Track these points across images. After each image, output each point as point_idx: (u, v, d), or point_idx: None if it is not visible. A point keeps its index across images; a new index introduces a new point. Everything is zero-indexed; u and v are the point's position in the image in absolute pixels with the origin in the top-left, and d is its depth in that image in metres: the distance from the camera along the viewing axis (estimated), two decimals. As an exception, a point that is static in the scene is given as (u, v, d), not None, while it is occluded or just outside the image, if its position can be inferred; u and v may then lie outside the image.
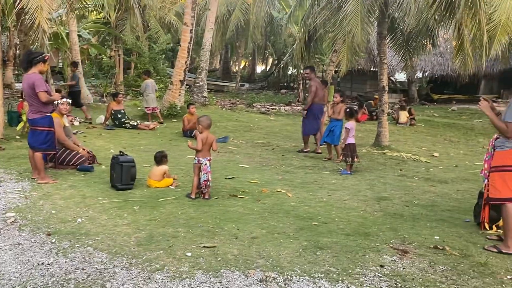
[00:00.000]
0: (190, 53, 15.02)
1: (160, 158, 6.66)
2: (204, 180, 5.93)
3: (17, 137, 9.69)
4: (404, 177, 8.10)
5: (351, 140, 8.19)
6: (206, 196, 6.00)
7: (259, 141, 11.38)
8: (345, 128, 8.32)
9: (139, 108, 15.37)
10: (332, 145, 9.40)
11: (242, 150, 10.12)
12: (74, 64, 14.43)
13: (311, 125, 10.14)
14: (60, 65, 22.48)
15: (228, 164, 8.49)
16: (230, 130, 12.93)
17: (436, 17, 10.89)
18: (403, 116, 15.58)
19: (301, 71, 24.20)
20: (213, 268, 3.83)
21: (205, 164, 5.95)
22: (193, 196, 5.97)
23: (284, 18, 25.07)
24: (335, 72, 22.02)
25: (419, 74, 24.44)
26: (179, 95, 14.76)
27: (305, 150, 10.12)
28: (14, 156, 7.98)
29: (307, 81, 10.25)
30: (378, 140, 11.04)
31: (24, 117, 9.57)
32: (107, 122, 12.28)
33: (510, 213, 4.44)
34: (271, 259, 4.06)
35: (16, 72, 24.62)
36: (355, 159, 8.15)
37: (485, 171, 4.83)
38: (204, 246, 4.28)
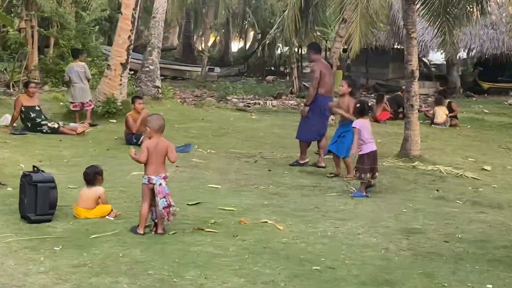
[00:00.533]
0: (136, 24, 14.99)
1: (93, 176, 6.62)
2: (164, 207, 5.90)
3: None
4: (442, 200, 8.17)
5: (369, 147, 8.23)
6: (160, 231, 5.98)
7: (235, 150, 11.38)
8: (353, 128, 8.28)
9: (61, 104, 15.25)
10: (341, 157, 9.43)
11: (212, 164, 10.10)
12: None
13: (314, 127, 10.12)
14: None
15: (191, 184, 8.47)
16: (194, 134, 12.91)
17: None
18: (441, 113, 15.68)
19: (295, 50, 24.52)
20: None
21: (160, 184, 5.93)
22: (141, 232, 5.93)
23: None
24: (344, 51, 22.22)
25: (462, 54, 24.66)
26: (120, 84, 14.69)
27: (301, 162, 10.13)
28: None
29: (310, 64, 10.13)
30: (406, 148, 11.11)
31: None
32: (14, 124, 12.14)
33: None
34: (253, 321, 4.06)
35: None
36: (375, 175, 8.23)
37: None
38: (156, 304, 4.27)
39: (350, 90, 9.36)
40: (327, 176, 9.43)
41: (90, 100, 13.83)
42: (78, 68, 13.74)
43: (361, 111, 8.39)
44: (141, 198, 6.05)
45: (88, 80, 14.13)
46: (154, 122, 6.04)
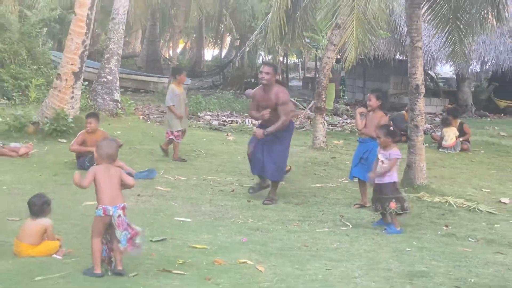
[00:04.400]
0: (92, 26, 14.98)
1: (41, 207, 6.58)
2: (129, 238, 5.91)
3: None
4: (452, 238, 8.20)
5: (394, 176, 8.36)
6: (120, 267, 5.97)
7: (208, 177, 11.37)
8: (386, 159, 8.31)
9: (1, 120, 15.17)
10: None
11: (180, 193, 10.08)
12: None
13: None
14: None
15: (155, 217, 8.44)
16: (159, 157, 12.87)
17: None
18: (451, 135, 15.78)
19: (279, 59, 24.65)
20: None
21: (118, 215, 5.91)
22: (98, 271, 5.90)
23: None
24: (338, 61, 22.38)
25: (475, 67, 24.84)
26: (72, 97, 14.64)
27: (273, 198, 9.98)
28: None
29: (262, 82, 9.38)
30: (410, 176, 11.16)
31: None
32: None
33: None
34: None
35: None
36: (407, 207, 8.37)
37: None
38: None
39: (380, 103, 9.40)
40: (353, 207, 9.48)
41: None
42: (180, 91, 13.32)
43: (393, 134, 8.49)
44: (91, 232, 6.00)
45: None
46: (103, 150, 6.13)
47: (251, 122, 19.50)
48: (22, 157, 12.05)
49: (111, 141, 6.38)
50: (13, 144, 12.58)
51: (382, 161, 8.34)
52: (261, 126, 9.62)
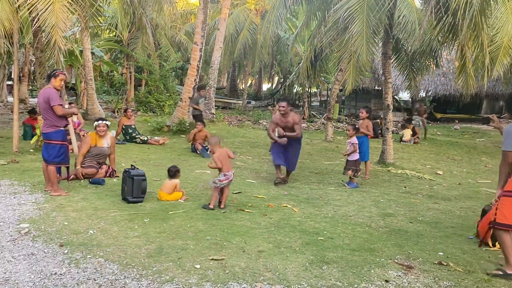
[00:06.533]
0: (199, 71, 15.15)
1: (174, 173, 6.70)
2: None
3: (31, 150, 9.77)
4: (408, 194, 8.08)
5: (355, 156, 8.42)
6: (223, 206, 6.23)
7: (265, 157, 11.39)
8: (350, 144, 8.44)
9: (149, 124, 15.46)
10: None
11: (249, 166, 10.14)
12: (200, 87, 14.61)
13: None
14: (73, 81, 22.71)
15: (235, 179, 8.45)
16: (237, 146, 12.94)
17: (440, 39, 10.98)
18: (407, 134, 15.57)
19: (306, 90, 24.50)
20: (221, 281, 3.84)
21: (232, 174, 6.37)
22: (212, 207, 6.12)
23: (290, 38, 25.30)
24: (340, 90, 22.12)
25: (422, 93, 24.48)
26: (188, 111, 14.84)
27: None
28: (28, 169, 8.04)
29: (281, 113, 8.32)
30: (383, 157, 11.03)
31: (38, 131, 9.68)
32: (118, 137, 12.33)
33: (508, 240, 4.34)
34: (277, 273, 4.06)
35: (30, 87, 24.93)
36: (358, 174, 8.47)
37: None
38: (212, 259, 4.29)
39: (367, 115, 9.36)
40: (362, 178, 9.12)
41: None
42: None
43: (356, 130, 8.61)
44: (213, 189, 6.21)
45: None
46: (212, 141, 6.43)
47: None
48: (161, 145, 12.29)
49: (215, 137, 6.53)
50: (156, 138, 12.87)
51: (347, 146, 8.43)
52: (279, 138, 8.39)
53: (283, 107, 8.27)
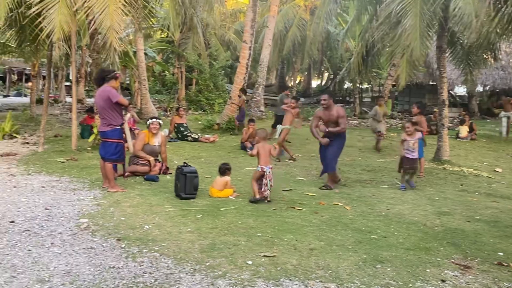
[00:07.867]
0: (248, 69, 15.26)
1: (224, 170, 6.79)
2: (271, 186, 6.40)
3: (89, 148, 10.18)
4: (465, 192, 7.79)
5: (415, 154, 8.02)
6: (269, 199, 6.38)
7: (315, 154, 11.29)
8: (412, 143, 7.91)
9: (199, 122, 15.74)
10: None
11: (299, 163, 10.10)
12: (285, 88, 15.03)
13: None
14: (127, 82, 23.46)
15: (285, 176, 8.51)
16: (286, 143, 12.91)
17: (498, 31, 10.48)
18: (464, 130, 15.03)
19: (357, 85, 24.09)
20: (273, 277, 3.86)
21: (269, 171, 6.39)
22: (258, 197, 6.29)
23: (341, 33, 24.96)
24: (393, 86, 21.61)
25: (479, 88, 23.55)
26: (238, 109, 14.97)
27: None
28: (86, 166, 8.40)
29: (323, 106, 7.82)
30: (439, 155, 10.69)
31: (95, 130, 10.08)
32: (170, 135, 12.63)
33: None
34: (330, 271, 4.03)
35: (87, 88, 25.98)
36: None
37: None
38: (264, 255, 4.31)
39: (420, 111, 9.08)
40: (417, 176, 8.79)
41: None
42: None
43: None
44: (252, 178, 6.45)
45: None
46: (261, 134, 6.63)
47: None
48: (211, 143, 12.49)
49: (263, 130, 6.63)
50: (206, 135, 13.08)
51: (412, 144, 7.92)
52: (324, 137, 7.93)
53: (324, 100, 7.79)
